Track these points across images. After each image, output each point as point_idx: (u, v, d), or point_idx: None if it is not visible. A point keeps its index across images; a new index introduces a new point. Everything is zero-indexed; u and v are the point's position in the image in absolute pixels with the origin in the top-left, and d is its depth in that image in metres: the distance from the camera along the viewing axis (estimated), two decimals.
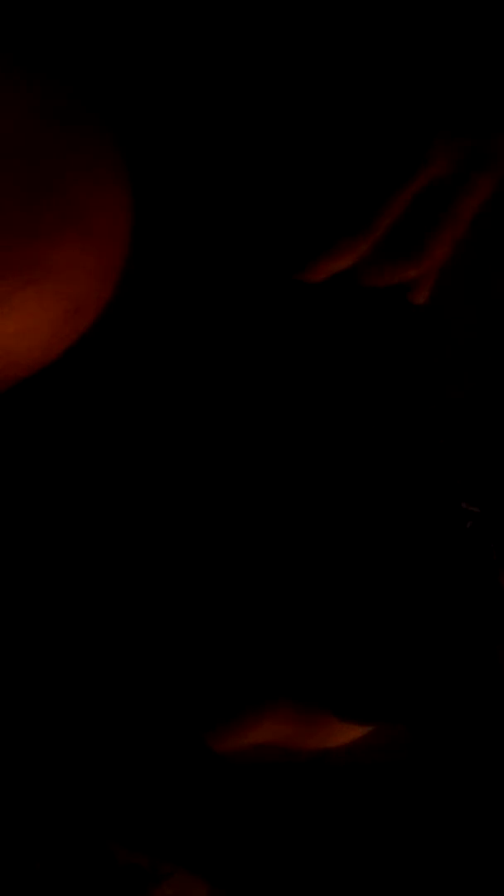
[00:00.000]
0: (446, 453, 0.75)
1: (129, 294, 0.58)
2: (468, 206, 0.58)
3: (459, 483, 0.75)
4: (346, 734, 0.86)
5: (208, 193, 0.65)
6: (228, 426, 0.71)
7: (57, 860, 0.79)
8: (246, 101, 0.62)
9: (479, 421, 0.76)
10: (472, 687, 0.79)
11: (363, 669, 0.78)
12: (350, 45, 0.60)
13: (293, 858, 0.84)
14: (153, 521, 0.74)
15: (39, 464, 0.72)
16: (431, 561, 0.76)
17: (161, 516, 0.74)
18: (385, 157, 0.57)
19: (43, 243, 0.52)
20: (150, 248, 0.62)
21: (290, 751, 0.86)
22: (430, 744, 0.85)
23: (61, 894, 0.78)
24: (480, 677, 0.79)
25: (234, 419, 0.71)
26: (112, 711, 0.80)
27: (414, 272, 0.60)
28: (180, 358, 0.70)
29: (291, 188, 0.63)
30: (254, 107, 0.62)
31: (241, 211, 0.65)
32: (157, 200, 0.63)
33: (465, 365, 0.75)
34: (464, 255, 0.70)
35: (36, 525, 0.74)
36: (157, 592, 0.77)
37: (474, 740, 0.83)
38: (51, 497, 0.73)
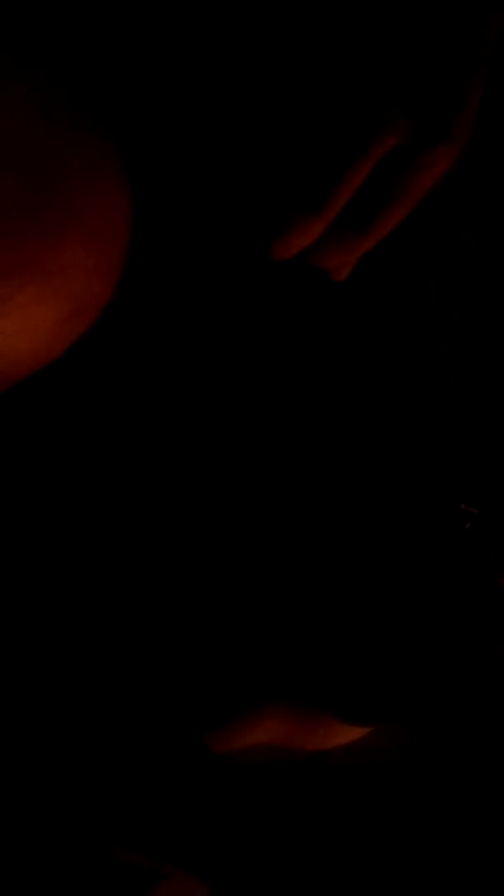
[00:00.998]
0: (445, 454, 0.75)
1: (129, 294, 0.58)
2: (423, 180, 0.57)
3: (458, 484, 0.75)
4: (346, 735, 0.86)
5: (207, 192, 0.65)
6: (228, 426, 0.72)
7: (57, 860, 0.79)
8: (240, 98, 0.62)
9: (477, 422, 0.76)
10: (472, 687, 0.79)
11: (363, 671, 0.78)
12: (305, 19, 0.59)
13: (293, 858, 0.84)
14: (153, 520, 0.74)
15: (39, 464, 0.72)
16: (431, 562, 0.76)
17: (161, 516, 0.74)
18: (339, 131, 0.56)
19: (43, 243, 0.52)
20: (150, 248, 0.62)
21: (290, 751, 0.86)
22: (430, 744, 0.85)
23: (61, 894, 0.78)
24: (480, 677, 0.79)
25: (234, 419, 0.71)
26: (112, 712, 0.80)
27: (365, 246, 0.59)
28: (180, 357, 0.70)
29: (266, 166, 0.62)
30: (247, 102, 0.62)
31: (238, 208, 0.65)
32: (157, 200, 0.63)
33: (463, 365, 0.75)
34: (460, 257, 0.71)
35: (36, 525, 0.74)
36: (157, 593, 0.77)
37: (474, 740, 0.83)
38: (51, 497, 0.73)
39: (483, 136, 0.58)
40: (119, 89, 0.59)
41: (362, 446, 0.73)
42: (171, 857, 0.81)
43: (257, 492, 0.73)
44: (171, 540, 0.75)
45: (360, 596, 0.76)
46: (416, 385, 0.73)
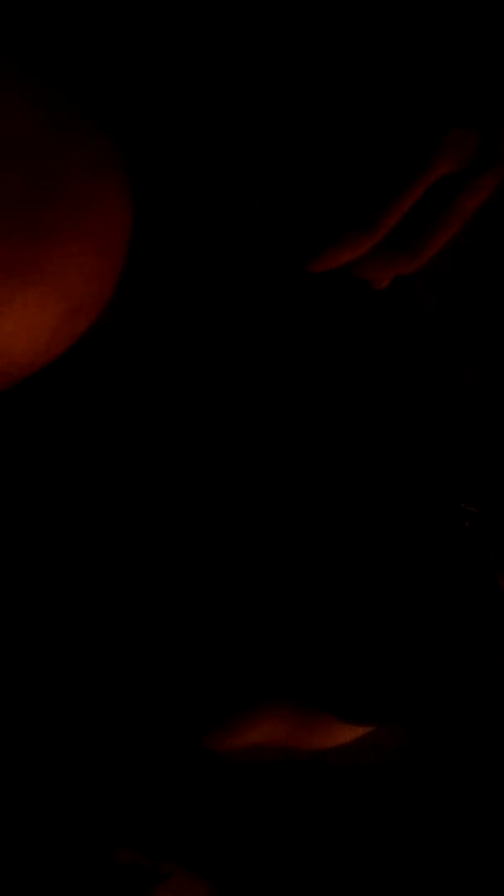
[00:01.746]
0: (445, 454, 0.75)
1: (129, 294, 0.58)
2: (471, 204, 0.58)
3: (458, 483, 0.75)
4: (346, 734, 0.86)
5: (208, 193, 0.65)
6: (228, 426, 0.72)
7: (57, 860, 0.79)
8: (249, 100, 0.62)
9: (477, 421, 0.76)
10: (472, 687, 0.79)
11: (363, 670, 0.78)
12: (361, 41, 0.60)
13: (293, 858, 0.84)
14: (153, 521, 0.74)
15: (39, 464, 0.72)
16: (430, 561, 0.76)
17: (161, 516, 0.74)
18: (397, 152, 0.57)
19: (43, 243, 0.52)
20: (150, 248, 0.62)
21: (290, 751, 0.86)
22: (430, 744, 0.85)
23: (61, 894, 0.78)
24: (480, 677, 0.79)
25: (234, 419, 0.71)
26: (112, 712, 0.80)
27: (413, 266, 0.60)
28: (180, 358, 0.70)
29: (300, 181, 0.63)
30: (258, 105, 0.62)
31: (242, 207, 0.65)
32: (157, 200, 0.63)
33: (463, 365, 0.75)
34: (460, 258, 0.71)
35: (36, 525, 0.74)
36: (157, 593, 0.77)
37: (474, 740, 0.83)
38: (51, 497, 0.73)
39: None
40: (120, 90, 0.59)
41: (362, 445, 0.73)
42: (171, 857, 0.81)
43: (257, 492, 0.73)
44: (172, 540, 0.75)
45: (359, 595, 0.76)
46: (416, 384, 0.73)
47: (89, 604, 0.76)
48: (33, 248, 0.52)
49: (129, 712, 0.80)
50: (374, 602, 0.76)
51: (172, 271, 0.67)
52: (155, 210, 0.61)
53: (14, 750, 0.79)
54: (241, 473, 0.73)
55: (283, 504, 0.73)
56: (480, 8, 0.58)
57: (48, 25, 0.56)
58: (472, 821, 0.85)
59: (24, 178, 0.52)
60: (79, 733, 0.80)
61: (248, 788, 0.84)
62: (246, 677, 0.81)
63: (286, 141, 0.62)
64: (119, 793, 0.81)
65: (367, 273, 0.60)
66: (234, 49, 0.62)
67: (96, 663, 0.78)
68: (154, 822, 0.82)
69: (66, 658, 0.78)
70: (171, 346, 0.69)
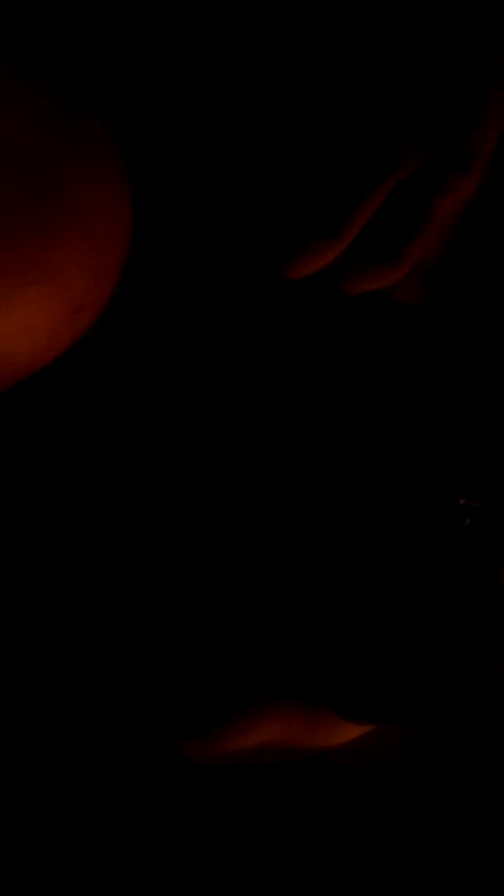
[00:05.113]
0: (446, 450, 0.75)
1: (129, 294, 0.58)
2: (445, 208, 0.58)
3: (458, 479, 0.75)
4: (347, 733, 0.86)
5: (207, 193, 0.65)
6: (228, 425, 0.72)
7: (57, 860, 0.79)
8: (242, 100, 0.62)
9: (478, 418, 0.76)
10: (472, 686, 0.79)
11: (364, 669, 0.78)
12: (321, 47, 0.60)
13: (293, 858, 0.84)
14: (153, 521, 0.74)
15: (39, 464, 0.72)
16: (431, 558, 0.76)
17: (161, 516, 0.74)
18: (356, 158, 0.57)
19: (43, 243, 0.52)
20: (150, 248, 0.62)
21: (291, 751, 0.86)
22: (430, 744, 0.85)
23: (61, 894, 0.78)
24: (480, 677, 0.79)
25: (234, 418, 0.71)
26: (112, 712, 0.80)
27: (393, 277, 0.59)
28: (180, 357, 0.70)
29: (281, 186, 0.63)
30: (249, 107, 0.62)
31: (237, 210, 0.65)
32: (157, 200, 0.63)
33: (464, 363, 0.75)
34: (459, 256, 0.71)
35: (36, 525, 0.74)
36: (158, 593, 0.77)
37: (474, 740, 0.83)
38: (51, 497, 0.73)
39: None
40: (121, 90, 0.59)
41: (362, 443, 0.73)
42: (171, 856, 0.81)
43: (257, 491, 0.73)
44: (172, 539, 0.75)
45: (360, 593, 0.76)
46: (415, 382, 0.73)
47: (90, 603, 0.77)
48: (34, 248, 0.52)
49: (130, 712, 0.80)
50: (374, 600, 0.76)
51: (172, 271, 0.67)
52: (155, 211, 0.62)
53: (14, 749, 0.79)
54: (241, 472, 0.73)
55: (283, 502, 0.74)
56: (439, 11, 0.57)
57: (50, 24, 0.56)
58: (472, 821, 0.85)
59: (25, 179, 0.52)
60: (79, 733, 0.80)
61: (249, 788, 0.84)
62: (248, 678, 0.81)
63: (271, 144, 0.62)
64: (119, 792, 0.81)
65: (350, 285, 0.60)
66: (229, 52, 0.62)
67: (97, 663, 0.79)
68: (154, 822, 0.82)
69: (67, 657, 0.78)
70: (171, 345, 0.69)
